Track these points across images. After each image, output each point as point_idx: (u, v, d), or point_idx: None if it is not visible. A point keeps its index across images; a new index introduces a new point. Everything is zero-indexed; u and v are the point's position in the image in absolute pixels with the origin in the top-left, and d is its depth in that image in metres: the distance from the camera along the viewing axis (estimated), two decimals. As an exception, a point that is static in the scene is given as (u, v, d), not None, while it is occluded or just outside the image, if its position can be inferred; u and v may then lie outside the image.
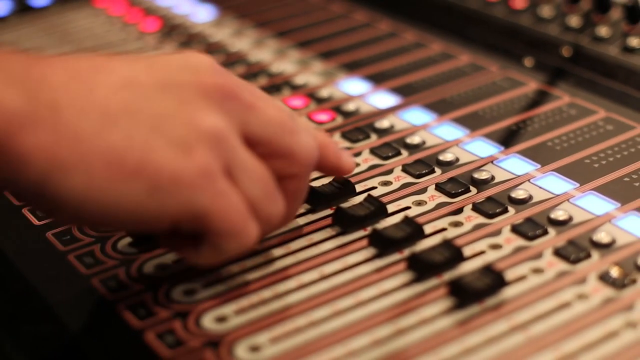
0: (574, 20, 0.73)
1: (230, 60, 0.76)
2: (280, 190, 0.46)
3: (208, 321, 0.46)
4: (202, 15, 0.86)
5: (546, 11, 0.75)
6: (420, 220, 0.51)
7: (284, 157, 0.46)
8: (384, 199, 0.54)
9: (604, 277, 0.47)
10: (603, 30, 0.71)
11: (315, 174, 0.54)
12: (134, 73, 0.44)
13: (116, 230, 0.52)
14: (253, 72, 0.73)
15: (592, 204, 0.53)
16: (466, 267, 0.48)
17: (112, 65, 0.44)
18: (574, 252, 0.48)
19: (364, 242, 0.50)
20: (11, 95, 0.40)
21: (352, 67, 0.73)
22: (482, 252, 0.49)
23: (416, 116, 0.64)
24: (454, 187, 0.55)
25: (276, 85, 0.70)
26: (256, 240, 0.45)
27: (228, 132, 0.44)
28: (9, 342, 0.46)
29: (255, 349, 0.44)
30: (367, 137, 0.62)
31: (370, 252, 0.50)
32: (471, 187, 0.55)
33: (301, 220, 0.53)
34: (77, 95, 0.41)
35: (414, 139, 0.60)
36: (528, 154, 0.58)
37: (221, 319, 0.46)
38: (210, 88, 0.44)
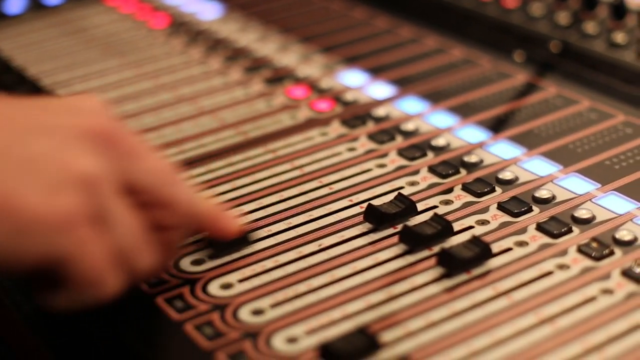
0: (563, 18, 0.77)
1: (236, 54, 0.79)
2: (156, 241, 0.45)
3: (245, 314, 0.47)
4: (209, 13, 0.90)
5: (536, 9, 0.79)
6: (413, 197, 0.55)
7: (164, 207, 0.45)
8: (379, 180, 0.57)
9: (584, 250, 0.50)
10: (590, 27, 0.75)
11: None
12: (12, 114, 0.43)
13: None
14: (258, 66, 0.77)
15: (574, 185, 0.56)
16: (455, 240, 0.51)
17: None
18: (556, 227, 0.52)
19: (361, 217, 0.54)
20: None
21: (351, 61, 0.77)
22: (470, 227, 0.53)
23: (411, 105, 0.68)
24: (445, 169, 0.58)
25: (280, 77, 0.74)
26: (117, 291, 0.44)
27: (102, 178, 0.42)
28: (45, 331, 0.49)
29: (292, 340, 0.45)
30: (364, 124, 0.65)
31: (366, 226, 0.53)
32: (461, 169, 0.58)
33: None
34: None
35: (409, 126, 0.64)
36: (516, 139, 0.62)
37: (258, 312, 0.47)
38: (90, 131, 0.43)
